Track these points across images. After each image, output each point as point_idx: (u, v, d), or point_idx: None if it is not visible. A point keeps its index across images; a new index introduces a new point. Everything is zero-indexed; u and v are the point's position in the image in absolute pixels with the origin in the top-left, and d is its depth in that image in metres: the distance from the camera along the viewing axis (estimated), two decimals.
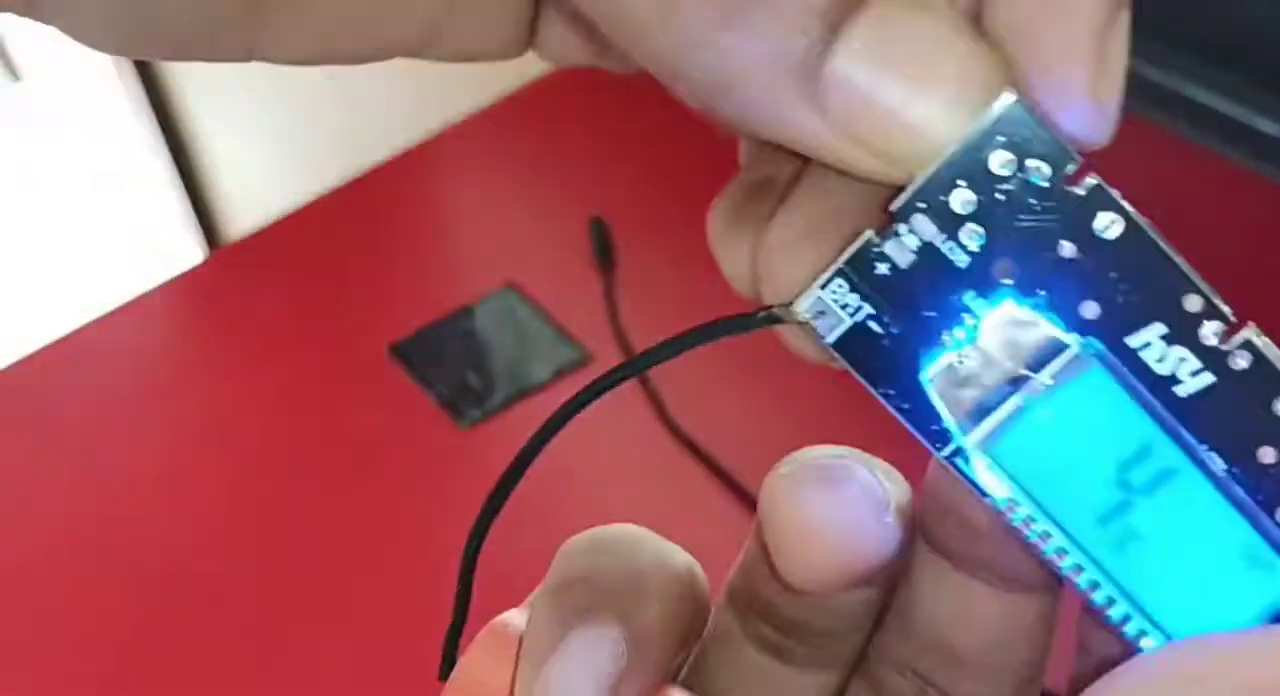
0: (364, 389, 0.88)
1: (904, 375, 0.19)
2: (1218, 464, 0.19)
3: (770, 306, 0.20)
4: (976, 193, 0.18)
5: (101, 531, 0.82)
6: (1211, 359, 0.18)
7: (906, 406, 0.19)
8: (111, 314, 0.94)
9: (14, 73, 1.40)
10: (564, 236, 0.92)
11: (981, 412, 0.19)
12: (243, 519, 0.82)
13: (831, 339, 0.19)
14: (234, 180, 1.42)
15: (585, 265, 0.90)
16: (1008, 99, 0.17)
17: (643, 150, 0.95)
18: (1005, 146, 0.18)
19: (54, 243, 1.49)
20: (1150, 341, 0.18)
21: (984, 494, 0.19)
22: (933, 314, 0.19)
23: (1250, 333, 0.18)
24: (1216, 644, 0.18)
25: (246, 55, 0.20)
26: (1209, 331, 0.18)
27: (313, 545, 0.80)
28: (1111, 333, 0.18)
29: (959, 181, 0.18)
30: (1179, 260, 0.18)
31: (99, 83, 1.36)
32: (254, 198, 1.40)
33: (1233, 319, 0.18)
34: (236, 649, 0.75)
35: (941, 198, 0.18)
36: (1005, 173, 0.18)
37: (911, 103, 0.17)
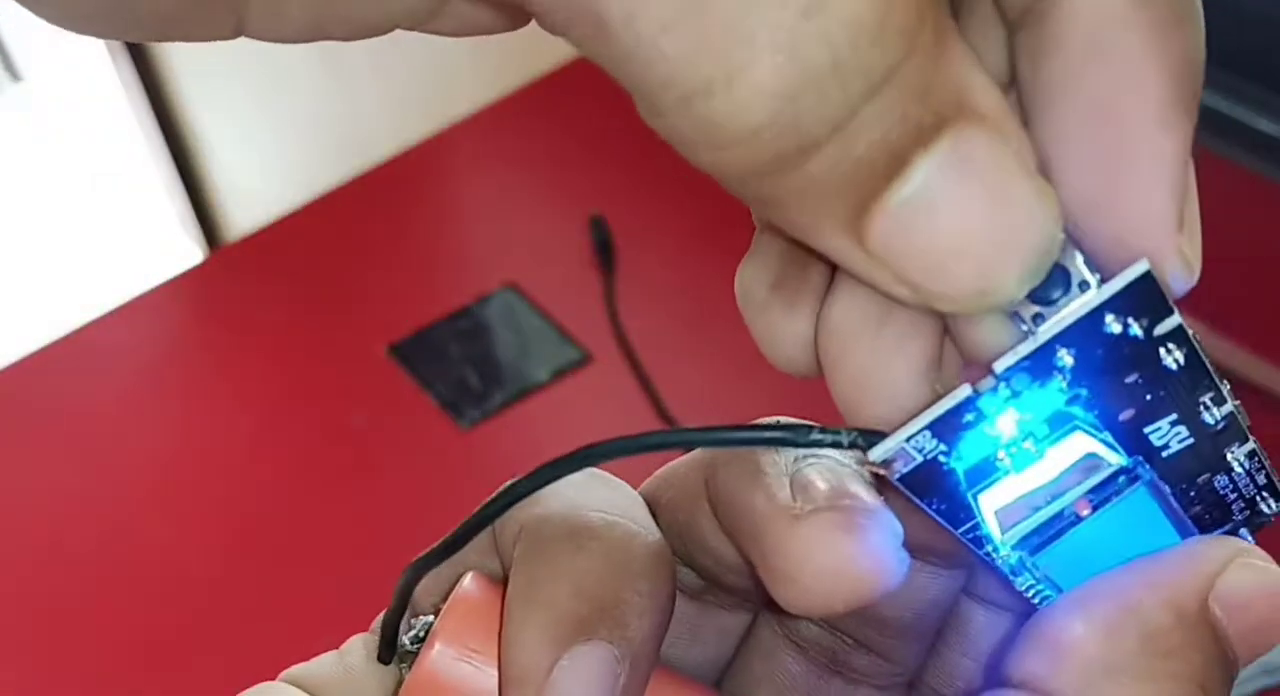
0: (364, 389, 0.88)
1: (957, 494, 0.19)
2: (1195, 509, 0.21)
3: (828, 427, 0.19)
4: (1080, 348, 0.18)
5: (101, 530, 0.82)
6: (1203, 434, 0.20)
7: (949, 513, 0.20)
8: (111, 314, 0.94)
9: (14, 73, 1.40)
10: (564, 236, 0.92)
11: (1029, 531, 0.20)
12: (242, 518, 0.82)
13: (897, 477, 0.19)
14: (234, 180, 1.42)
15: (585, 265, 0.90)
16: (1142, 267, 0.17)
17: (643, 150, 0.95)
18: (1127, 310, 0.18)
19: (54, 242, 1.49)
20: (1161, 427, 0.19)
21: (1004, 578, 0.21)
22: (1003, 447, 0.19)
23: (1240, 422, 0.20)
24: (1142, 566, 0.19)
25: (234, 32, 0.18)
26: (1210, 417, 0.20)
27: (312, 544, 0.80)
28: (1136, 426, 0.19)
29: (1071, 341, 0.18)
30: (1211, 368, 0.19)
31: (99, 83, 1.36)
32: (254, 198, 1.40)
33: (1232, 400, 0.19)
34: (235, 647, 0.75)
35: (1049, 357, 0.18)
36: (1115, 331, 0.18)
37: (959, 257, 0.16)
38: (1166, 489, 0.20)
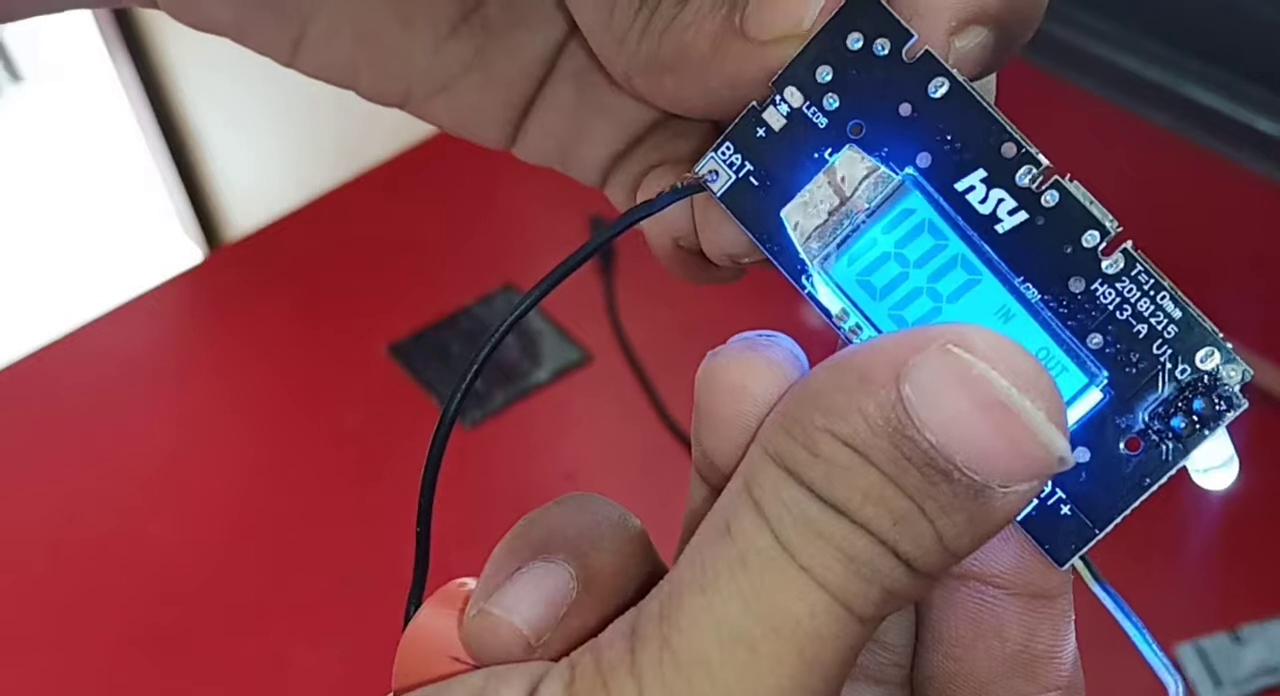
0: (364, 389, 0.88)
1: (772, 219, 0.22)
2: (1032, 292, 0.21)
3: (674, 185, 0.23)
4: (834, 65, 0.21)
5: (101, 529, 0.82)
6: (1026, 199, 0.20)
7: (776, 249, 0.22)
8: (111, 314, 0.94)
9: (14, 73, 1.40)
10: (564, 236, 0.92)
11: (824, 239, 0.22)
12: (242, 517, 0.82)
13: (720, 193, 0.22)
14: (233, 180, 1.42)
15: (585, 265, 0.90)
16: None
17: None
18: (857, 27, 0.21)
19: (55, 242, 1.49)
20: (974, 185, 0.21)
21: (822, 309, 0.22)
22: (798, 166, 0.22)
23: (1057, 177, 0.20)
24: (878, 345, 0.19)
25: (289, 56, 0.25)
26: (1023, 174, 0.20)
27: (312, 544, 0.80)
28: (941, 178, 0.21)
29: (821, 57, 0.21)
30: (998, 114, 0.20)
31: (99, 83, 1.36)
32: (254, 198, 1.40)
33: (1045, 163, 0.20)
34: (234, 646, 0.75)
35: (807, 71, 0.21)
36: (856, 47, 0.21)
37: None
38: (944, 201, 0.21)
